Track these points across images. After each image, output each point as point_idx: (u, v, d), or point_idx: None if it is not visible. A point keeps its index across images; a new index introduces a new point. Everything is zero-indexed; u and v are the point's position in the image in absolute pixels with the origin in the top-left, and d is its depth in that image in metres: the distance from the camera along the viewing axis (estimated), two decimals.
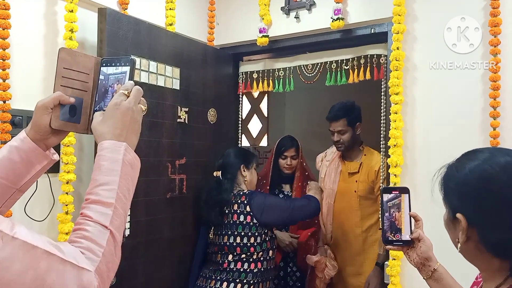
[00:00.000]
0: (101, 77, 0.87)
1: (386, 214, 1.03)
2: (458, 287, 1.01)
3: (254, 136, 3.86)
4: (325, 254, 2.27)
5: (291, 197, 2.45)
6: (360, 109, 2.34)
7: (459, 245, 0.80)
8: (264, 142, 3.84)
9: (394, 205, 1.04)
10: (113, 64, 0.87)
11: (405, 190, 1.05)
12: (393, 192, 1.05)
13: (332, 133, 2.30)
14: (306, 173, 2.58)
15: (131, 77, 0.85)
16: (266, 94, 3.90)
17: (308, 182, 2.37)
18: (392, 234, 1.03)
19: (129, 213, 1.75)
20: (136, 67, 1.85)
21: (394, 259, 1.74)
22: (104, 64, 0.88)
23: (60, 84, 0.88)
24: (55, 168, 1.68)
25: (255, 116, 3.86)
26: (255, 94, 3.82)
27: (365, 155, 2.28)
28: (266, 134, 3.90)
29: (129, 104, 0.78)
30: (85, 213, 0.69)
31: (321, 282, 2.22)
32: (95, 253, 0.65)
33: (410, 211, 1.04)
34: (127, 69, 0.86)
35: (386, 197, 1.04)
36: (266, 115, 3.92)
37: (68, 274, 0.61)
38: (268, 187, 2.54)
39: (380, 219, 1.05)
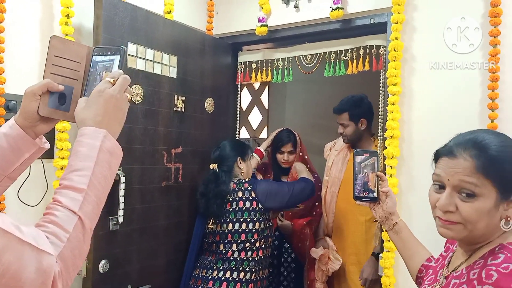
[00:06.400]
0: (91, 65, 0.87)
1: (360, 175, 1.16)
2: (415, 240, 1.14)
3: (254, 128, 3.85)
4: (327, 246, 2.26)
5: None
6: (369, 104, 2.31)
7: (510, 222, 0.83)
8: (264, 134, 3.83)
9: (368, 165, 1.17)
10: (104, 53, 0.86)
11: (374, 154, 1.18)
12: (364, 155, 1.18)
13: (338, 125, 2.30)
14: (308, 166, 2.57)
15: (120, 66, 0.84)
16: (267, 86, 3.88)
17: (294, 164, 2.37)
18: (362, 192, 1.16)
19: (122, 201, 1.75)
20: (132, 54, 1.85)
21: (388, 251, 1.73)
22: (95, 53, 0.87)
23: (50, 71, 0.87)
24: (49, 154, 1.68)
25: (255, 108, 3.85)
26: (256, 85, 3.81)
27: (375, 146, 2.25)
28: (266, 126, 3.89)
29: (113, 91, 0.77)
30: (56, 198, 0.68)
31: (323, 274, 2.21)
32: (60, 238, 0.64)
33: (377, 171, 1.18)
34: (116, 57, 0.85)
35: (358, 159, 1.17)
36: (266, 107, 3.90)
37: (27, 255, 0.59)
38: (271, 179, 2.56)
39: (353, 178, 1.18)
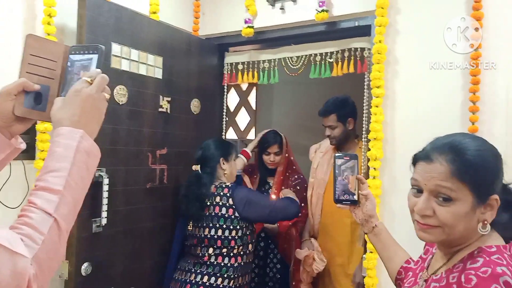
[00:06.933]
0: (68, 64, 0.86)
1: (339, 178, 1.16)
2: (394, 242, 1.15)
3: (242, 129, 3.85)
4: (312, 248, 2.27)
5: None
6: (353, 104, 2.32)
7: (488, 226, 0.84)
8: (251, 135, 3.83)
9: (348, 168, 1.16)
10: (82, 52, 0.85)
11: (354, 157, 1.18)
12: (344, 158, 1.18)
13: (324, 127, 2.31)
14: (294, 167, 2.58)
15: (98, 65, 0.83)
16: (255, 87, 3.88)
17: (282, 189, 2.36)
18: (343, 194, 1.16)
19: (106, 203, 1.73)
20: (117, 55, 1.83)
21: (371, 252, 1.74)
22: (73, 52, 0.86)
23: (26, 70, 0.86)
24: (30, 155, 1.66)
25: (243, 109, 3.84)
26: (244, 86, 3.81)
27: (360, 147, 2.26)
28: (254, 127, 3.89)
29: (91, 91, 0.76)
30: (31, 199, 0.67)
31: (308, 275, 2.22)
32: (35, 240, 0.63)
33: (357, 174, 1.17)
34: (94, 56, 0.84)
35: (339, 161, 1.17)
36: (254, 108, 3.90)
37: (1, 258, 0.58)
38: (257, 180, 2.56)
39: (333, 181, 1.16)
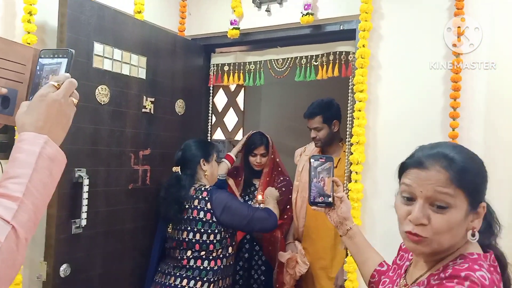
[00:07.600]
0: (37, 67, 0.84)
1: (315, 180, 1.14)
2: (368, 245, 1.16)
3: (230, 130, 3.84)
4: (296, 251, 2.27)
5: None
6: (338, 107, 2.35)
7: (477, 233, 0.84)
8: (239, 136, 3.83)
9: (324, 169, 1.15)
10: (51, 56, 0.84)
11: (330, 159, 1.17)
12: (320, 160, 1.16)
13: (310, 130, 2.31)
14: (279, 169, 2.58)
15: (67, 69, 0.82)
16: (243, 88, 3.88)
17: (268, 188, 2.34)
18: (318, 197, 1.14)
19: (86, 204, 1.71)
20: (99, 54, 1.81)
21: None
22: (42, 56, 0.85)
23: None
24: (8, 155, 1.63)
25: (231, 110, 3.84)
26: (232, 87, 3.80)
27: (344, 151, 2.27)
28: (241, 128, 3.89)
29: (57, 96, 0.75)
30: None
31: (291, 278, 2.22)
32: None
33: (332, 176, 1.16)
34: (63, 60, 0.83)
35: (314, 163, 1.15)
36: (242, 109, 3.90)
37: None
38: (242, 182, 2.55)
39: (308, 183, 1.14)
